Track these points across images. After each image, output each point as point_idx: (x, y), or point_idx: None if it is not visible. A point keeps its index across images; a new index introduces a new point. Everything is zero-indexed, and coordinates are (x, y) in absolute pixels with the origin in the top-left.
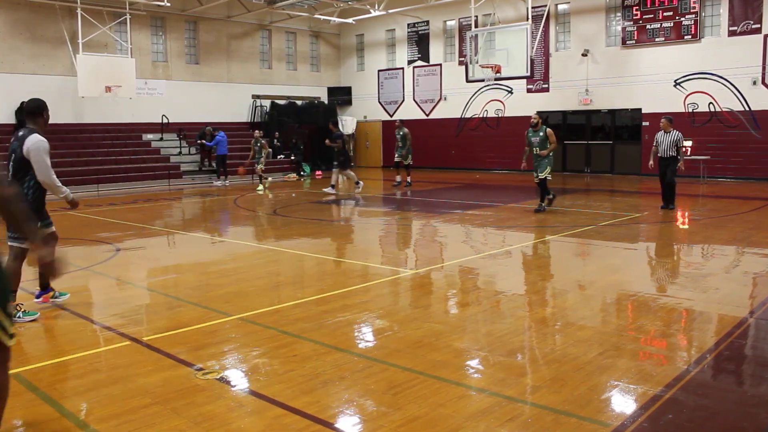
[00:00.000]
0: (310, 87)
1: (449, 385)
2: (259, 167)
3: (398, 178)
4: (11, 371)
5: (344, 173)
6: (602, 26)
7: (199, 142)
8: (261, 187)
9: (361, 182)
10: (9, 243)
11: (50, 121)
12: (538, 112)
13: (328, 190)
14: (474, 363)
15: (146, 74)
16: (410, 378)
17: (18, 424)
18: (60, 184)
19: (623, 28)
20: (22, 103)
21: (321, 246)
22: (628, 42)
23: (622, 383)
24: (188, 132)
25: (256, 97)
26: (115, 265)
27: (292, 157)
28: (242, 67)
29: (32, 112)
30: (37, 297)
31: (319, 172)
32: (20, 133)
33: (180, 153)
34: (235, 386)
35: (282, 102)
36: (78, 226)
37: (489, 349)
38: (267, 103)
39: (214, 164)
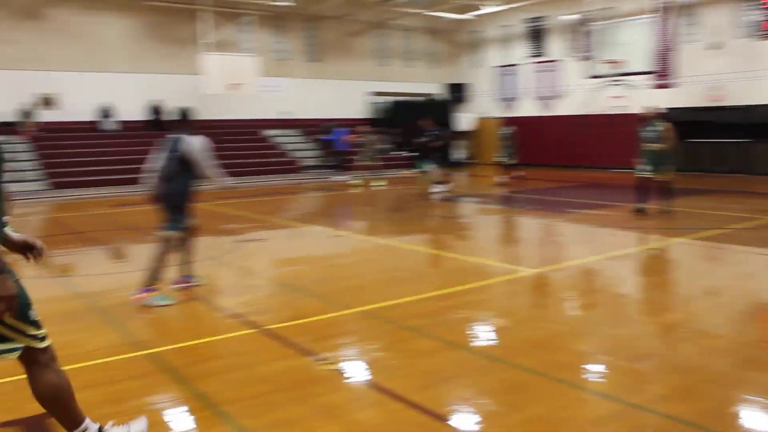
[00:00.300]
0: (428, 83)
1: (570, 387)
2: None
3: (501, 178)
4: (155, 350)
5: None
6: (733, 17)
7: (318, 137)
8: (358, 181)
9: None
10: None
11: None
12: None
13: (438, 189)
14: (596, 367)
15: (268, 72)
16: (530, 378)
17: (153, 401)
18: (217, 172)
19: (759, 20)
20: (156, 101)
21: (440, 242)
22: (763, 33)
23: (760, 399)
24: (308, 128)
25: (374, 94)
26: (241, 256)
27: (411, 154)
28: (360, 65)
29: (185, 119)
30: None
31: None
32: (172, 135)
33: (300, 149)
34: (354, 378)
35: (399, 99)
36: (205, 218)
37: (612, 353)
38: (385, 99)
39: (334, 160)
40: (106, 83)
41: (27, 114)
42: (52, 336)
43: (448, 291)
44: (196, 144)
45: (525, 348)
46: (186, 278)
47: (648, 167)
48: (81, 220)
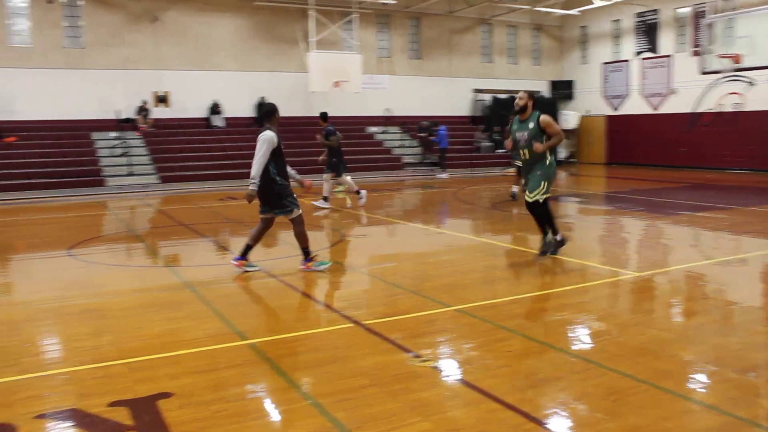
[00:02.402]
0: (531, 81)
1: (674, 397)
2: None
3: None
4: (255, 340)
5: (339, 180)
6: None
7: (420, 135)
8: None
9: (363, 192)
10: None
11: (285, 115)
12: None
13: (319, 203)
14: (702, 377)
15: (371, 69)
16: (631, 385)
17: (251, 389)
18: (253, 172)
19: None
20: (262, 98)
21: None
22: None
23: None
24: (410, 125)
25: (477, 91)
26: (340, 251)
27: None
28: (463, 62)
29: (266, 115)
30: (234, 260)
31: None
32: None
33: (402, 146)
34: (450, 376)
35: (502, 96)
36: (306, 212)
37: (720, 363)
38: (487, 97)
39: (436, 158)
40: (214, 81)
41: (143, 111)
42: (158, 323)
43: (546, 292)
44: (262, 136)
45: (626, 353)
46: (240, 259)
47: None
48: (188, 212)
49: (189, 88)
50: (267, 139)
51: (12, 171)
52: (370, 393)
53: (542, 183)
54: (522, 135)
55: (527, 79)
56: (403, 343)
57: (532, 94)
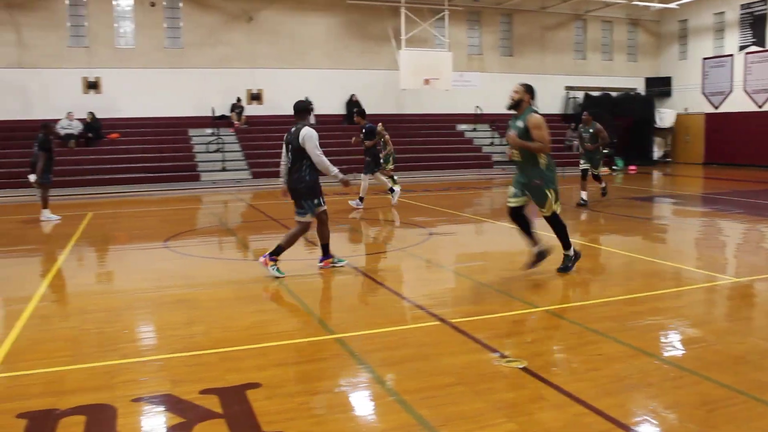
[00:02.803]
0: (626, 78)
1: None
2: (388, 167)
3: (584, 195)
4: (342, 335)
5: (371, 178)
6: None
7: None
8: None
9: (397, 189)
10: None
11: (375, 112)
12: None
13: (354, 204)
14: None
15: (462, 67)
16: (728, 396)
17: (338, 383)
18: (330, 165)
19: None
20: (352, 96)
21: (632, 244)
22: None
23: None
24: (500, 123)
25: (569, 88)
26: (427, 248)
27: (605, 151)
28: (555, 59)
29: (301, 111)
30: (320, 262)
31: (632, 167)
32: (293, 129)
33: (492, 143)
34: (537, 378)
35: (596, 93)
36: (396, 210)
37: None
38: (580, 94)
39: None
40: (306, 79)
41: (237, 108)
42: (248, 315)
43: (638, 295)
44: (306, 136)
45: (722, 362)
46: (328, 257)
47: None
48: (278, 208)
49: (281, 86)
50: (314, 134)
51: (114, 166)
52: (455, 391)
53: (547, 193)
54: (513, 134)
55: (622, 76)
56: (490, 343)
57: (529, 88)
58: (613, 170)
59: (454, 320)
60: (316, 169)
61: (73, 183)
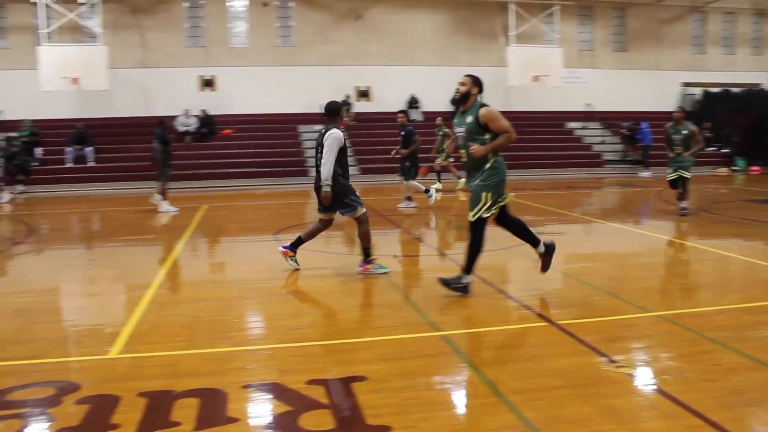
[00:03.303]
0: (750, 72)
1: None
2: (438, 161)
3: (685, 204)
4: (447, 332)
5: (407, 184)
6: None
7: (622, 131)
8: (437, 185)
9: (432, 189)
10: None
11: None
12: None
13: (404, 206)
14: None
15: (572, 63)
16: None
17: (441, 380)
18: (328, 173)
19: None
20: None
21: (753, 249)
22: None
23: None
24: (612, 121)
25: (686, 85)
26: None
27: (724, 150)
28: (671, 54)
29: (331, 113)
30: (360, 266)
31: (755, 168)
32: (323, 130)
33: (603, 142)
34: (647, 385)
35: (715, 90)
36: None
37: None
38: (697, 91)
39: (638, 155)
40: (413, 76)
41: (345, 105)
42: (355, 309)
43: (759, 304)
44: (330, 136)
45: None
46: (368, 262)
47: None
48: (386, 204)
49: (389, 83)
50: (337, 138)
51: (227, 161)
52: (561, 394)
53: (483, 196)
54: (461, 132)
55: (744, 71)
56: (598, 347)
57: (476, 80)
58: (734, 171)
59: (561, 322)
60: (343, 171)
61: (188, 177)
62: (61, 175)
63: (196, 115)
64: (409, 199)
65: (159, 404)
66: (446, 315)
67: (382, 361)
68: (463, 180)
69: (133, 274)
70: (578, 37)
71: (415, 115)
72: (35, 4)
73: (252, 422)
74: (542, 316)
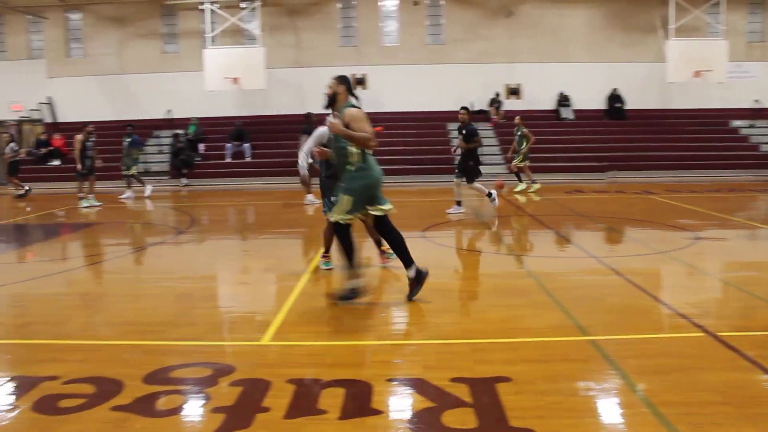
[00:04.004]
0: None
1: None
2: (515, 163)
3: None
4: (595, 337)
5: (471, 187)
6: None
7: None
8: (521, 186)
9: (494, 192)
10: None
11: (636, 107)
12: None
13: (453, 210)
14: None
15: (739, 56)
16: None
17: (587, 386)
18: (302, 162)
19: None
20: (614, 90)
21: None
22: None
23: None
24: None
25: None
26: (693, 253)
27: None
28: None
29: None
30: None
31: None
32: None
33: None
34: None
35: None
36: (656, 210)
37: None
38: None
39: None
40: (565, 73)
41: (495, 103)
42: (501, 309)
43: None
44: (316, 133)
45: None
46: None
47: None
48: (534, 203)
49: (539, 80)
50: (316, 134)
51: (377, 158)
52: (721, 411)
53: (343, 199)
54: (335, 121)
55: None
56: (764, 363)
57: (343, 79)
58: None
59: (720, 333)
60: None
61: None
62: (221, 169)
63: None
64: (458, 203)
65: (306, 391)
66: (596, 319)
67: (527, 362)
68: (537, 184)
69: (285, 265)
70: (747, 28)
71: (567, 114)
72: (203, 10)
73: (395, 416)
74: (699, 326)
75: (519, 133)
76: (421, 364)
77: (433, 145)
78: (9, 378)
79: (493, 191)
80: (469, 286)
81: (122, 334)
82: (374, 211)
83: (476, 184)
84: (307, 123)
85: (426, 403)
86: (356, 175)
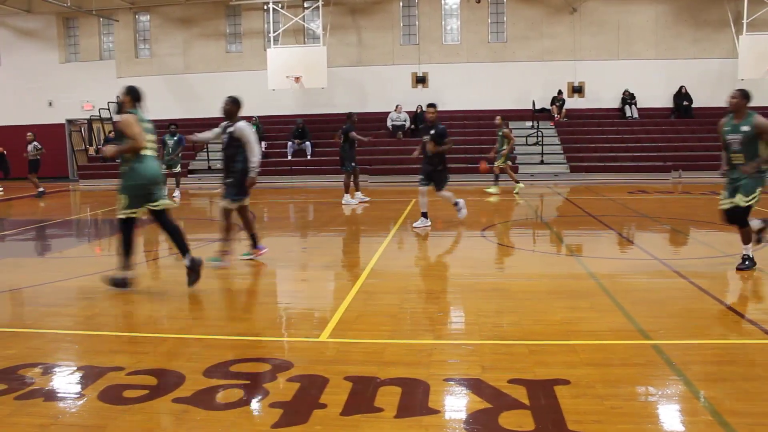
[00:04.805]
0: None
1: None
2: (497, 164)
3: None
4: (658, 341)
5: (440, 195)
6: None
7: None
8: (493, 188)
9: (461, 202)
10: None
11: (706, 105)
12: None
13: (419, 224)
14: None
15: None
16: None
17: (648, 392)
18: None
19: None
20: (681, 87)
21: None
22: None
23: None
24: None
25: None
26: (762, 257)
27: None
28: None
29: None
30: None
31: None
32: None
33: None
34: None
35: None
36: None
37: None
38: None
39: None
40: (630, 70)
41: (557, 101)
42: (560, 310)
43: None
44: (243, 129)
45: None
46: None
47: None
48: (596, 203)
49: (603, 78)
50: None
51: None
52: None
53: (118, 197)
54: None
55: None
56: None
57: (131, 90)
58: None
59: None
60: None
61: (399, 171)
62: (283, 167)
63: (408, 111)
64: (425, 215)
65: (363, 389)
66: (658, 323)
67: (586, 365)
68: (521, 184)
69: (343, 263)
70: None
71: (632, 112)
72: (266, 10)
73: (451, 416)
74: None
75: (500, 134)
76: (478, 364)
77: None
78: (77, 367)
79: (461, 200)
80: (529, 286)
81: (184, 327)
82: (152, 207)
83: (444, 192)
84: (350, 122)
85: (483, 404)
86: (125, 176)
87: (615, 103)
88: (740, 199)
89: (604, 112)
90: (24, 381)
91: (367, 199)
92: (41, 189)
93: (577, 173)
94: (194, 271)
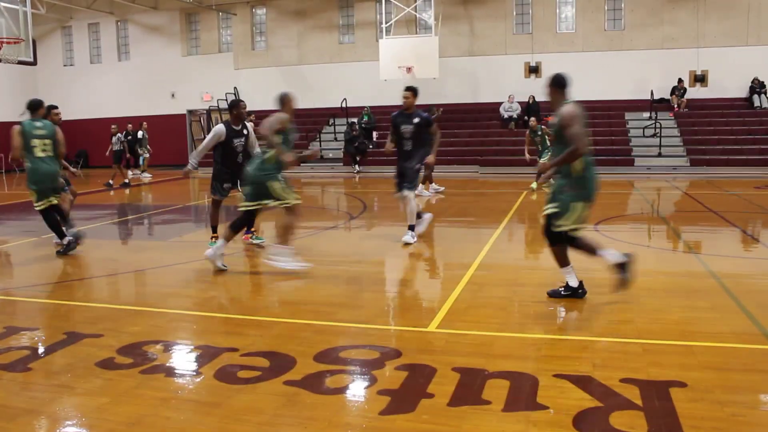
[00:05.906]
0: None
1: None
2: (543, 160)
3: None
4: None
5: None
6: None
7: None
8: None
9: (426, 216)
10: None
11: None
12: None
13: (408, 238)
14: None
15: None
16: None
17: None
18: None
19: None
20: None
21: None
22: None
23: None
24: None
25: None
26: None
27: None
28: None
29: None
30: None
31: None
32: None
33: None
34: None
35: None
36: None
37: None
38: None
39: None
40: (759, 57)
41: (678, 91)
42: (678, 309)
43: None
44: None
45: None
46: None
47: None
48: (718, 198)
49: (729, 66)
50: (215, 132)
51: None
52: None
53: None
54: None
55: None
56: None
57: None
58: None
59: None
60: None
61: (511, 162)
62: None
63: (520, 102)
64: (419, 216)
65: (471, 381)
66: (694, 329)
67: (705, 369)
68: (533, 185)
69: (453, 254)
70: None
71: (760, 101)
72: (379, 1)
73: (560, 412)
74: None
75: (539, 133)
76: (589, 361)
77: (610, 135)
78: (194, 346)
79: (427, 215)
80: (645, 283)
81: (295, 313)
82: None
83: (411, 197)
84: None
85: (593, 403)
86: (29, 173)
87: (742, 92)
88: None
89: (729, 102)
90: (147, 356)
91: (428, 193)
92: (110, 182)
93: (698, 166)
94: (69, 248)
